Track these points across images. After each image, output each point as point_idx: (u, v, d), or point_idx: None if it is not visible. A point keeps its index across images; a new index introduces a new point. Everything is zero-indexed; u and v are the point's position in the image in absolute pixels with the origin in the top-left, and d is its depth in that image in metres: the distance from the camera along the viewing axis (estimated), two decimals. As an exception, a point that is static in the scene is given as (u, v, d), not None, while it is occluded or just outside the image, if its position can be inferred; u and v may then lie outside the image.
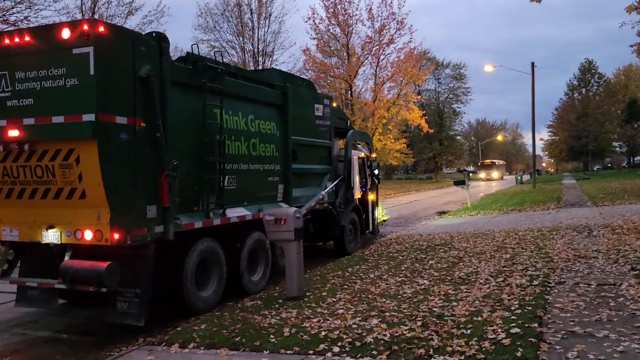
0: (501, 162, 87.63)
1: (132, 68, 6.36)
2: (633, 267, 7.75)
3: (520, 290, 6.79)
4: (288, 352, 5.18)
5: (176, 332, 6.19)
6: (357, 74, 36.72)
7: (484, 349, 4.75)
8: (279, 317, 6.41)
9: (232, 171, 8.13)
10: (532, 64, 36.83)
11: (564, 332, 5.13)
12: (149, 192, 6.56)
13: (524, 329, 5.18)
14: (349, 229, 11.99)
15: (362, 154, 13.52)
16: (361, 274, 8.91)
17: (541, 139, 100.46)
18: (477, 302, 6.41)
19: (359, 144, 14.35)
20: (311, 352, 5.11)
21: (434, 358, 4.67)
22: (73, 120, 6.04)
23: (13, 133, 6.27)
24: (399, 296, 7.07)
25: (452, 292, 7.02)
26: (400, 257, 10.44)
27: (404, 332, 5.41)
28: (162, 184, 6.63)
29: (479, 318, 5.70)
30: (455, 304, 6.42)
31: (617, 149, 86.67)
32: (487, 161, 79.96)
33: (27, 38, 6.31)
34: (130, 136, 6.33)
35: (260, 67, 39.03)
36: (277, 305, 7.07)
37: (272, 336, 5.65)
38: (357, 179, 12.72)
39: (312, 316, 6.35)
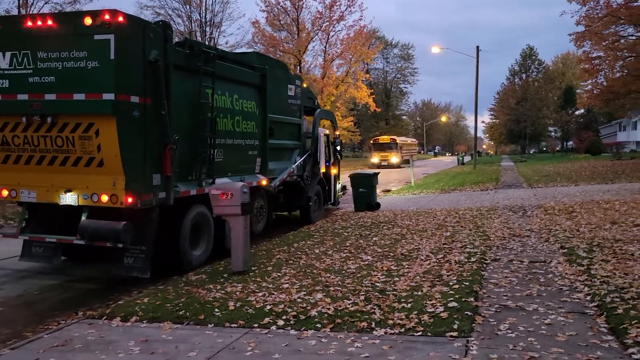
0: (409, 140, 59.50)
1: (142, 53, 7.16)
2: (562, 246, 8.21)
3: (458, 267, 7.09)
4: (233, 325, 5.21)
5: (118, 305, 6.09)
6: (307, 50, 36.49)
7: (423, 322, 4.95)
8: (224, 291, 6.42)
9: (220, 145, 9.03)
10: (477, 47, 37.82)
11: (497, 305, 5.41)
12: (154, 162, 7.45)
13: (461, 303, 5.43)
14: (314, 200, 13.23)
15: (327, 131, 14.82)
16: (306, 250, 9.01)
17: (483, 122, 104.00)
18: (418, 277, 6.64)
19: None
20: (256, 325, 5.16)
21: (376, 330, 4.83)
22: (93, 98, 6.83)
23: (36, 106, 7.04)
24: (343, 271, 7.22)
25: (395, 268, 7.24)
26: (345, 234, 10.62)
27: (348, 306, 5.55)
28: (165, 156, 7.51)
29: (419, 293, 5.92)
30: (397, 279, 6.62)
31: (553, 133, 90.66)
32: (385, 138, 50.51)
33: (49, 22, 7.05)
34: (141, 113, 7.18)
35: (207, 38, 38.11)
36: (222, 280, 7.07)
37: (216, 310, 5.67)
38: (322, 154, 13.96)
39: (257, 290, 6.40)
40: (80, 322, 5.61)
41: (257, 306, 5.73)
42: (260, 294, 6.20)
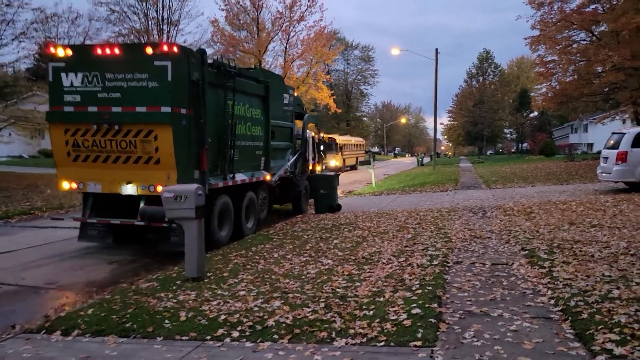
0: (353, 139, 51.57)
1: (188, 74, 9.06)
2: (523, 248, 8.16)
3: (421, 270, 6.91)
4: (184, 338, 4.86)
5: (59, 318, 5.63)
6: (267, 50, 35.88)
7: (385, 330, 4.72)
8: (175, 300, 6.04)
9: (237, 146, 10.78)
10: (436, 50, 38.28)
11: (461, 311, 5.23)
12: (195, 160, 9.34)
13: (424, 309, 5.22)
14: (304, 193, 15.41)
15: (314, 133, 17.13)
16: (265, 254, 8.70)
17: (441, 124, 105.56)
18: (380, 282, 6.42)
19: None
20: (208, 337, 4.82)
21: (336, 341, 4.56)
22: (153, 110, 8.77)
23: (105, 117, 8.96)
24: (303, 276, 6.95)
25: (356, 272, 7.00)
26: (305, 236, 10.35)
27: (307, 315, 5.28)
28: (202, 155, 9.39)
29: (381, 299, 5.69)
30: (358, 284, 6.39)
31: (508, 135, 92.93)
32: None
33: (116, 50, 9.00)
34: (187, 122, 9.10)
35: (165, 36, 37.26)
36: (174, 287, 6.68)
37: (167, 321, 5.30)
38: (310, 153, 16.25)
39: (211, 298, 6.05)
40: (16, 337, 5.15)
41: (210, 316, 5.38)
42: (214, 303, 5.85)
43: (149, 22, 37.03)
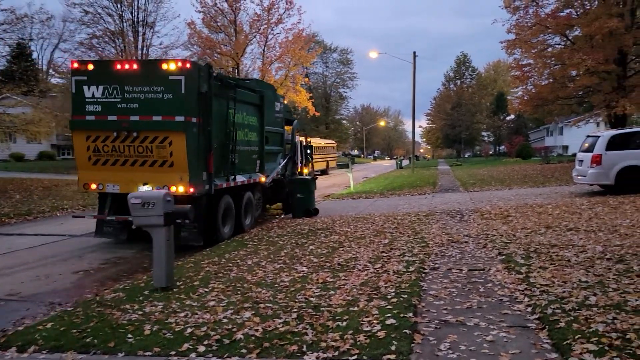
0: (322, 141, 47.89)
1: (198, 87, 10.07)
2: (500, 252, 8.07)
3: (397, 277, 6.75)
4: (147, 353, 4.61)
5: (16, 333, 5.32)
6: (245, 53, 35.62)
7: (358, 343, 4.53)
8: (141, 312, 5.78)
9: (237, 151, 11.76)
10: (414, 53, 38.39)
11: (437, 321, 5.08)
12: (203, 164, 10.37)
13: (399, 319, 5.06)
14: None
15: (302, 138, 18.53)
16: (238, 261, 8.47)
17: (420, 126, 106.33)
18: (355, 290, 6.24)
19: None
20: (173, 352, 4.58)
21: (307, 355, 4.36)
22: (168, 119, 9.85)
23: (125, 125, 10.04)
24: (276, 285, 6.73)
25: (331, 280, 6.82)
26: (281, 242, 10.14)
27: (278, 326, 5.06)
28: (209, 159, 10.46)
29: (356, 308, 5.51)
30: (332, 292, 6.20)
31: (486, 138, 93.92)
32: None
33: (134, 66, 10.17)
34: (197, 129, 10.13)
35: (140, 38, 36.75)
36: (141, 298, 6.41)
37: (130, 335, 5.03)
38: (299, 157, 17.49)
39: (179, 310, 5.80)
40: (-32, 355, 4.83)
41: (176, 329, 5.13)
42: (182, 315, 5.60)
43: (124, 24, 36.49)
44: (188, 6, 45.48)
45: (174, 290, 6.73)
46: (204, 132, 10.32)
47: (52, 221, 15.47)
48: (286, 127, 16.34)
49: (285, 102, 16.89)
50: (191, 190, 9.95)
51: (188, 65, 9.91)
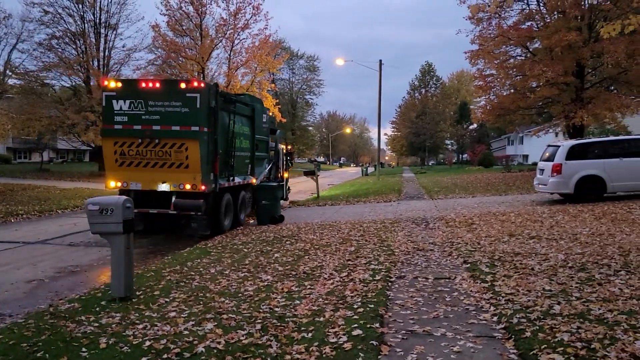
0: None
1: (208, 102, 11.91)
2: (465, 261, 8.09)
3: (363, 286, 6.66)
4: (102, 369, 4.38)
5: (-40, 348, 4.99)
6: (211, 57, 35.08)
7: (324, 355, 4.41)
8: (97, 324, 5.51)
9: (235, 156, 13.53)
10: (380, 61, 38.71)
11: (404, 331, 5.00)
12: (211, 166, 12.18)
13: (365, 330, 4.96)
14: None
15: (283, 146, 20.47)
16: (201, 269, 8.23)
17: (385, 134, 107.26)
18: (321, 299, 6.13)
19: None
20: (130, 368, 4.36)
21: (271, 369, 4.22)
22: (185, 129, 11.72)
23: (147, 133, 11.88)
24: (240, 294, 6.55)
25: (296, 289, 6.68)
26: (245, 250, 9.94)
27: (241, 338, 4.90)
28: (216, 162, 12.28)
29: (322, 318, 5.39)
30: (298, 302, 6.07)
31: (449, 146, 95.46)
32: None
33: (157, 85, 12.04)
34: (208, 138, 11.96)
35: (102, 40, 35.96)
36: (98, 309, 6.13)
37: (84, 349, 4.77)
38: (282, 163, 19.41)
39: (138, 321, 5.56)
40: None
41: (134, 342, 4.91)
42: (140, 327, 5.37)
43: (86, 25, 35.60)
44: (153, 9, 44.84)
45: (133, 300, 6.48)
46: (212, 140, 12.17)
47: (7, 227, 14.83)
48: (271, 136, 18.14)
49: (270, 113, 19.08)
50: (202, 187, 11.84)
51: (202, 85, 11.91)
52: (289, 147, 22.33)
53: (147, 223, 12.82)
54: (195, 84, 11.81)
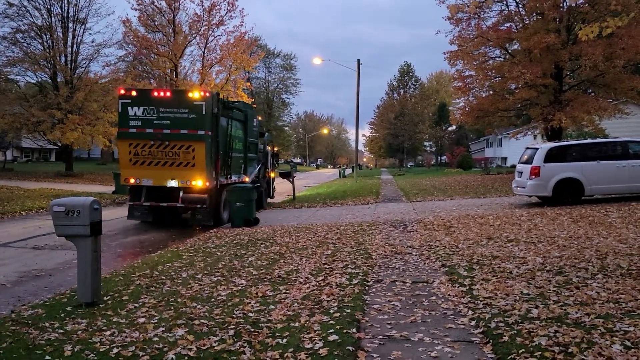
0: None
1: (212, 109, 13.96)
2: (443, 264, 8.00)
3: (339, 290, 6.52)
4: (64, 379, 4.15)
5: None
6: (184, 54, 34.19)
7: (299, 362, 4.26)
8: (62, 331, 5.27)
9: (232, 157, 15.46)
10: (358, 61, 38.68)
11: (381, 337, 4.88)
12: (214, 165, 14.14)
13: (342, 335, 4.82)
14: (264, 193, 20.01)
15: (269, 148, 22.31)
16: (172, 273, 8.00)
17: (363, 135, 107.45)
18: (296, 304, 5.97)
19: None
20: (94, 378, 4.15)
21: (243, 378, 4.05)
22: (192, 132, 13.78)
23: (159, 136, 13.94)
24: (212, 299, 6.36)
25: (271, 294, 6.51)
26: (219, 253, 9.73)
27: (213, 345, 4.71)
28: (217, 162, 14.27)
29: (297, 324, 5.23)
30: (272, 307, 5.90)
31: (428, 148, 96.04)
32: None
33: (168, 94, 14.27)
34: (211, 140, 14.02)
35: (70, 35, 35.18)
36: (63, 315, 5.89)
37: (48, 357, 4.55)
38: (269, 163, 21.44)
39: (105, 328, 5.33)
40: None
41: (101, 350, 4.69)
42: (108, 333, 5.14)
43: (53, 19, 34.69)
44: (123, 3, 43.63)
45: (101, 306, 6.24)
46: (215, 142, 14.21)
47: (-28, 229, 14.33)
48: (260, 138, 20.15)
49: (260, 118, 21.43)
50: (207, 184, 13.90)
51: (208, 94, 14.07)
52: (275, 148, 24.63)
53: (155, 216, 14.95)
54: (202, 93, 13.95)
